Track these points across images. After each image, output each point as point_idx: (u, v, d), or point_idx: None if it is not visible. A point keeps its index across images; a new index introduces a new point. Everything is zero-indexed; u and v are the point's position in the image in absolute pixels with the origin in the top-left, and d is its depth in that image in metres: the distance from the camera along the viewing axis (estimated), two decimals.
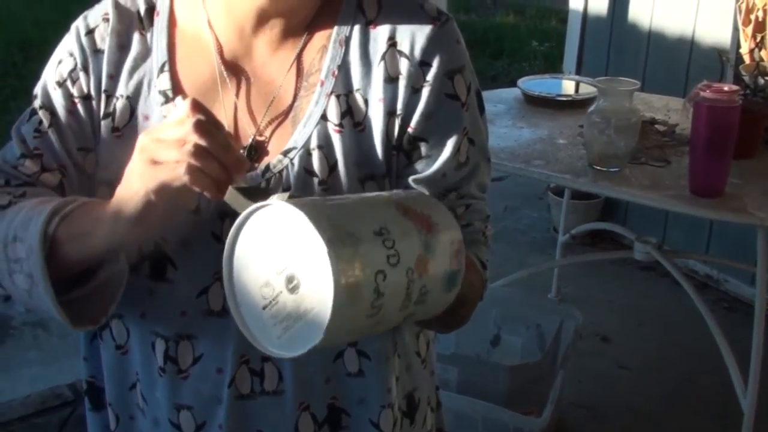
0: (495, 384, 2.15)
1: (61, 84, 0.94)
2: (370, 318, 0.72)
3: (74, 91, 0.94)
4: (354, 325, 0.73)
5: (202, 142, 0.75)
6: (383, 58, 0.91)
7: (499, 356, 2.43)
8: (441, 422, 1.12)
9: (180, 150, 0.75)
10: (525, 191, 4.09)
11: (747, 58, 2.30)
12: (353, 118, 0.91)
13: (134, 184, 0.78)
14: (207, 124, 0.77)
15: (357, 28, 0.92)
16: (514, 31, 7.42)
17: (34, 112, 0.94)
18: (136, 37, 0.94)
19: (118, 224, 0.80)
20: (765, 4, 2.26)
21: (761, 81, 2.20)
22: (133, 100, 0.93)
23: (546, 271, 3.16)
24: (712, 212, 1.87)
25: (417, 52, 0.91)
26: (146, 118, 0.93)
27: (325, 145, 0.90)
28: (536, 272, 2.98)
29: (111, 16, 0.94)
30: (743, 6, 2.31)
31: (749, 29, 2.29)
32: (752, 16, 2.29)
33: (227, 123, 0.92)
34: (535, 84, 2.62)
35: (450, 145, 0.93)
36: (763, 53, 2.27)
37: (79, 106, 0.94)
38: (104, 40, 0.94)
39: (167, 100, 0.92)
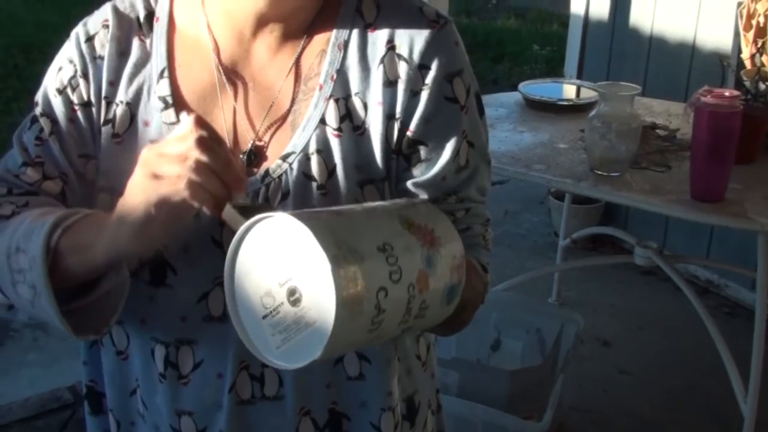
0: (495, 388, 2.15)
1: (62, 91, 0.94)
2: (370, 333, 0.72)
3: (74, 98, 0.94)
4: (353, 339, 0.73)
5: (204, 158, 0.76)
6: (382, 61, 0.91)
7: (499, 360, 2.42)
8: (441, 425, 1.12)
9: (181, 165, 0.76)
10: (526, 195, 4.09)
11: (748, 64, 2.30)
12: (352, 122, 0.91)
13: (135, 198, 0.79)
14: (209, 140, 0.78)
15: (356, 31, 0.92)
16: (515, 34, 7.42)
17: (35, 120, 0.95)
18: (135, 43, 0.94)
19: (118, 236, 0.80)
20: (766, 10, 2.26)
21: (762, 86, 2.20)
22: (132, 106, 0.93)
23: (546, 276, 3.16)
24: (713, 217, 1.87)
25: (416, 56, 0.91)
26: (146, 124, 0.93)
27: (324, 150, 0.90)
28: (537, 276, 2.98)
29: (111, 23, 0.95)
30: (744, 11, 2.31)
31: (750, 34, 2.28)
32: (753, 22, 2.28)
33: (226, 128, 0.92)
34: (536, 88, 2.62)
35: (449, 148, 0.93)
36: (764, 58, 2.27)
37: (79, 114, 0.94)
38: (104, 46, 0.94)
39: (167, 105, 0.92)
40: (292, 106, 0.92)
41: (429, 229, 0.79)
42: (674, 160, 2.10)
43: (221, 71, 0.93)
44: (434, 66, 0.91)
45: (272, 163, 0.91)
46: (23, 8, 6.86)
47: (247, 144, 0.92)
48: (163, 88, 0.93)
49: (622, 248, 3.43)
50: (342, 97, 0.91)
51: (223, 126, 0.92)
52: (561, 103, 2.54)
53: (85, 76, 0.94)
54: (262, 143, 0.92)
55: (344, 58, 0.92)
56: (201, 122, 0.79)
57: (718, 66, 2.46)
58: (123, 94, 0.93)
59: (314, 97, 0.91)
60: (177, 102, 0.92)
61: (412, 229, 0.77)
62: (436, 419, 1.10)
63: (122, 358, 0.98)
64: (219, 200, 0.77)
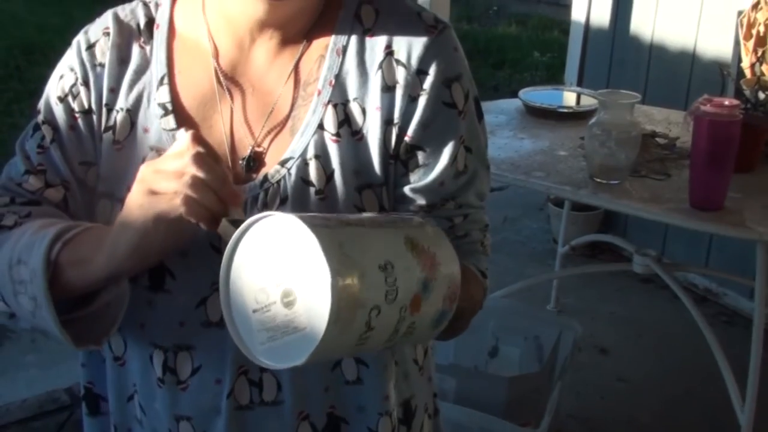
0: (493, 395, 2.14)
1: (63, 99, 0.95)
2: (355, 346, 0.73)
3: (75, 106, 0.94)
4: (337, 351, 0.75)
5: (200, 174, 0.77)
6: (380, 66, 0.91)
7: (497, 367, 2.42)
8: (438, 429, 1.12)
9: (178, 181, 0.77)
10: (525, 202, 4.09)
11: (748, 73, 2.31)
12: (350, 128, 0.91)
13: (133, 213, 0.80)
14: (205, 156, 0.79)
15: (354, 37, 0.93)
16: (516, 41, 7.43)
17: (37, 127, 0.95)
18: (135, 50, 0.95)
19: (116, 251, 0.82)
20: (767, 19, 2.26)
21: (762, 95, 2.21)
22: (132, 113, 0.93)
23: (545, 283, 3.16)
24: (712, 226, 1.87)
25: (414, 61, 0.91)
26: (146, 130, 0.93)
27: (322, 155, 0.91)
28: (535, 283, 2.98)
29: (111, 30, 0.95)
30: (745, 20, 2.32)
31: (750, 44, 2.29)
32: (753, 31, 2.29)
33: (226, 134, 0.92)
34: (536, 95, 2.62)
35: (447, 153, 0.93)
36: (764, 68, 2.27)
37: (80, 121, 0.94)
38: (105, 54, 0.94)
39: (166, 112, 0.93)
40: (291, 111, 0.92)
41: (431, 253, 0.79)
42: (674, 169, 2.11)
43: (221, 77, 0.93)
44: (432, 71, 0.91)
45: (271, 168, 0.91)
46: (25, 10, 6.87)
47: (246, 150, 0.92)
48: (163, 95, 0.93)
49: (620, 256, 3.43)
50: (340, 102, 0.91)
51: (222, 132, 0.92)
52: (561, 110, 2.55)
53: (86, 84, 0.94)
54: (261, 149, 0.92)
55: (343, 63, 0.92)
56: (198, 138, 0.80)
57: (718, 75, 2.46)
58: (123, 101, 0.94)
59: (313, 103, 0.91)
60: (176, 109, 0.93)
61: (415, 252, 0.77)
62: (432, 423, 1.10)
63: (119, 364, 0.98)
64: (215, 215, 0.78)
